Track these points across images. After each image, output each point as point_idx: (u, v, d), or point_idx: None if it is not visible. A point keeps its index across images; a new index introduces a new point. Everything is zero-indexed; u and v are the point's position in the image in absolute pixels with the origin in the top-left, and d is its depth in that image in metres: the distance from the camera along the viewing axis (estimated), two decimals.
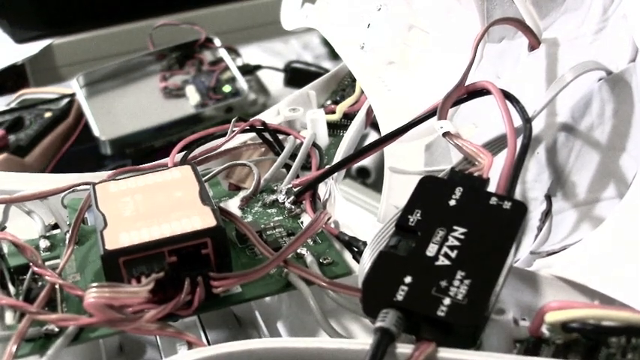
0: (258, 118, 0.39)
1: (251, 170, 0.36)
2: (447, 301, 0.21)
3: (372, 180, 0.51)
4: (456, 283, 0.22)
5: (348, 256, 0.30)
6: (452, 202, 0.25)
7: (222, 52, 0.62)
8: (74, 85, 0.58)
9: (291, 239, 0.30)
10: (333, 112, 0.43)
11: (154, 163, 0.37)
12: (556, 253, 0.29)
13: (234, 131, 0.37)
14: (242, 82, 0.58)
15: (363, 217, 0.33)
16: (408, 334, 0.22)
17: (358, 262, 0.28)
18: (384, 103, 0.39)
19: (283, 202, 0.33)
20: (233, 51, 0.64)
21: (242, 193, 0.35)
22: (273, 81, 0.64)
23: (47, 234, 0.32)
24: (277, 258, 0.27)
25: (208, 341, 0.30)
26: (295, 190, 0.34)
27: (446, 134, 0.28)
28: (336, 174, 0.35)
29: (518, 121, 0.28)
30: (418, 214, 0.24)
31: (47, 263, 0.30)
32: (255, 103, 0.59)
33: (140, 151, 0.54)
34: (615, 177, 0.30)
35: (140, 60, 0.62)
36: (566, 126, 0.32)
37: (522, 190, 0.33)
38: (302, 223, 0.32)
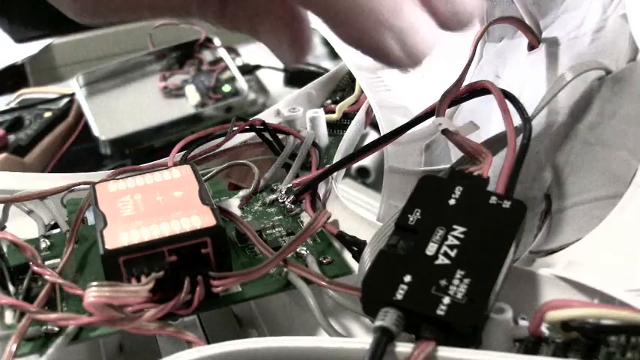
0: (258, 117, 0.39)
1: (251, 170, 0.36)
2: (446, 300, 0.21)
3: (371, 180, 0.51)
4: (456, 282, 0.22)
5: (347, 255, 0.30)
6: (451, 202, 0.25)
7: (222, 52, 0.62)
8: (74, 85, 0.58)
9: (290, 239, 0.30)
10: (333, 112, 0.43)
11: (153, 162, 0.37)
12: (555, 252, 0.29)
13: (233, 131, 0.37)
14: (242, 82, 0.58)
15: (363, 216, 0.33)
16: (407, 333, 0.22)
17: (358, 261, 0.28)
18: (384, 102, 0.39)
19: (283, 202, 0.33)
20: (233, 51, 0.64)
21: (242, 193, 0.35)
22: (273, 81, 0.64)
23: (47, 234, 0.32)
24: (277, 257, 0.27)
25: (208, 340, 0.30)
26: (295, 189, 0.34)
27: (444, 131, 0.28)
28: (335, 173, 0.35)
29: (517, 121, 0.28)
30: (418, 214, 0.24)
31: (47, 263, 0.30)
32: (254, 102, 0.59)
33: (140, 151, 0.54)
34: (615, 176, 0.30)
35: (140, 60, 0.62)
36: (566, 125, 0.32)
37: (522, 189, 0.33)
38: (302, 222, 0.32)
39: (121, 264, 0.25)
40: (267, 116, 0.42)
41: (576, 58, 0.31)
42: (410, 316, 0.22)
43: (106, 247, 0.25)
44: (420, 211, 0.24)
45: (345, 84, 0.46)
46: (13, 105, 0.58)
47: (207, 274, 0.26)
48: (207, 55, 0.62)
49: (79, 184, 0.34)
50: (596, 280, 0.24)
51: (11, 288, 0.28)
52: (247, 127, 0.38)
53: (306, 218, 0.32)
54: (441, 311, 0.21)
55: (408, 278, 0.22)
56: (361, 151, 0.33)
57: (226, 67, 0.60)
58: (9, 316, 0.27)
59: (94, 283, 0.23)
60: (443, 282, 0.22)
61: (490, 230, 0.24)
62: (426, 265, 0.23)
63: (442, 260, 0.23)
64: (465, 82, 0.31)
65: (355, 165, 0.49)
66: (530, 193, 0.33)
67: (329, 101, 0.45)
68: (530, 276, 0.26)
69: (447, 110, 0.30)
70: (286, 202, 0.33)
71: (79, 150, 0.55)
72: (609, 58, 0.31)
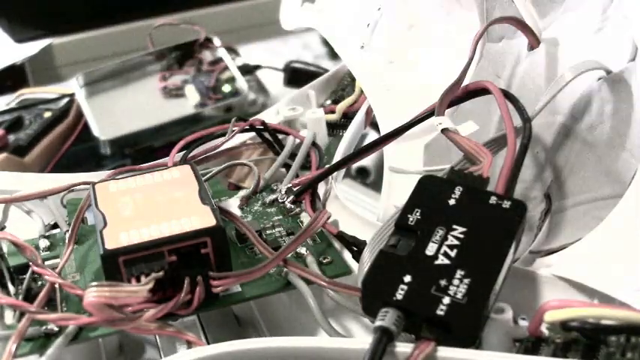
0: (258, 117, 0.39)
1: (251, 170, 0.36)
2: (446, 300, 0.21)
3: (371, 180, 0.51)
4: (456, 282, 0.22)
5: (347, 255, 0.30)
6: (451, 202, 0.25)
7: (222, 52, 0.62)
8: (74, 85, 0.58)
9: (290, 239, 0.30)
10: (333, 112, 0.42)
11: (153, 162, 0.37)
12: (555, 252, 0.29)
13: (233, 131, 0.37)
14: (242, 82, 0.58)
15: (363, 216, 0.33)
16: (407, 333, 0.22)
17: (358, 261, 0.28)
18: (384, 102, 0.39)
19: (283, 202, 0.33)
20: (233, 51, 0.64)
21: (242, 193, 0.35)
22: (273, 81, 0.63)
23: (47, 234, 0.32)
24: (277, 257, 0.27)
25: (208, 341, 0.30)
26: (295, 189, 0.34)
27: (444, 130, 0.28)
28: (335, 173, 0.35)
29: (517, 121, 0.28)
30: (418, 214, 0.24)
31: (47, 263, 0.30)
32: (254, 102, 0.59)
33: (140, 151, 0.54)
34: (615, 176, 0.30)
35: (140, 60, 0.61)
36: (566, 125, 0.32)
37: (522, 189, 0.33)
38: (302, 222, 0.32)
39: (121, 264, 0.25)
40: (267, 116, 0.42)
41: (576, 58, 0.31)
42: (410, 316, 0.22)
43: (106, 247, 0.25)
44: (420, 211, 0.24)
45: (345, 84, 0.46)
46: (13, 105, 0.58)
47: (207, 274, 0.26)
48: (207, 55, 0.62)
49: (79, 184, 0.33)
50: (596, 280, 0.24)
51: (11, 288, 0.28)
52: (247, 127, 0.38)
53: (306, 218, 0.32)
54: (440, 311, 0.21)
55: (407, 278, 0.22)
56: (361, 151, 0.33)
57: (226, 67, 0.60)
58: (9, 316, 0.27)
59: (94, 283, 0.23)
60: (443, 282, 0.22)
61: (490, 230, 0.24)
62: (425, 265, 0.23)
63: (442, 260, 0.23)
64: (465, 82, 0.31)
65: (355, 165, 0.49)
66: (530, 193, 0.33)
67: (329, 101, 0.45)
68: (530, 276, 0.26)
69: (446, 110, 0.30)
70: (286, 202, 0.33)
71: (79, 150, 0.55)
72: (609, 57, 0.31)
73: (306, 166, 0.36)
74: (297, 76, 0.62)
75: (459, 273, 0.22)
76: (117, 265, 0.25)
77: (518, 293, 0.26)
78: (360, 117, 0.41)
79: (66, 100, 0.57)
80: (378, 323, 0.22)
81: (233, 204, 0.34)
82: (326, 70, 0.52)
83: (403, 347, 0.22)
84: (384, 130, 0.37)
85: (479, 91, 0.30)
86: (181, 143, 0.36)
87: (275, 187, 0.35)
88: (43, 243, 0.32)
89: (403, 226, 0.24)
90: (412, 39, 0.41)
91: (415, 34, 0.41)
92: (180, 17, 0.71)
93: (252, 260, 0.30)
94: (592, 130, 0.31)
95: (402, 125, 0.32)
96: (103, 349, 0.32)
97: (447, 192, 0.25)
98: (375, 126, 0.40)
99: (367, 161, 0.47)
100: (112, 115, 0.56)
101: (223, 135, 0.37)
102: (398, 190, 0.35)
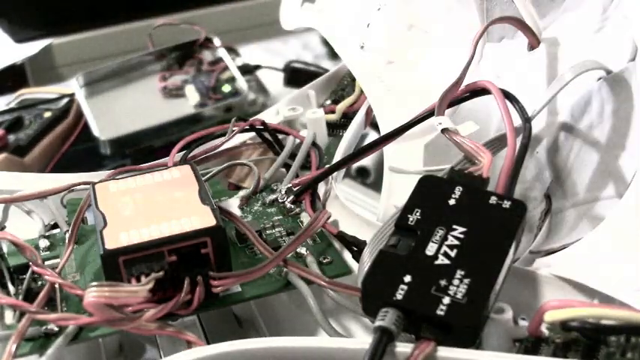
0: (258, 117, 0.39)
1: (251, 170, 0.36)
2: (446, 300, 0.21)
3: (371, 180, 0.51)
4: (456, 282, 0.22)
5: (347, 255, 0.30)
6: (451, 202, 0.25)
7: (222, 52, 0.62)
8: (74, 85, 0.58)
9: (290, 239, 0.30)
10: (333, 112, 0.42)
11: (153, 162, 0.37)
12: (555, 252, 0.29)
13: (233, 131, 0.37)
14: (242, 82, 0.58)
15: (363, 216, 0.33)
16: (407, 333, 0.22)
17: (358, 261, 0.28)
18: (384, 102, 0.39)
19: (283, 202, 0.33)
20: (233, 51, 0.64)
21: (242, 193, 0.35)
22: (273, 81, 0.63)
23: (47, 233, 0.32)
24: (277, 257, 0.27)
25: (208, 341, 0.30)
26: (295, 189, 0.34)
27: (444, 130, 0.28)
28: (335, 173, 0.35)
29: (517, 121, 0.28)
30: (418, 214, 0.24)
31: (47, 263, 0.30)
32: (254, 102, 0.59)
33: (140, 151, 0.54)
34: (615, 176, 0.30)
35: (140, 60, 0.61)
36: (566, 125, 0.32)
37: (522, 189, 0.33)
38: (302, 222, 0.32)
39: (121, 264, 0.25)
40: (267, 116, 0.42)
41: (576, 58, 0.31)
42: (410, 316, 0.22)
43: (106, 247, 0.25)
44: (419, 211, 0.24)
45: (345, 84, 0.46)
46: (13, 105, 0.58)
47: (207, 274, 0.26)
48: (207, 55, 0.62)
49: (79, 184, 0.33)
50: (596, 280, 0.24)
51: (11, 288, 0.28)
52: (247, 127, 0.38)
53: (306, 218, 0.32)
54: (440, 311, 0.21)
55: (407, 278, 0.22)
56: (361, 151, 0.33)
57: (226, 67, 0.60)
58: (9, 316, 0.27)
59: (94, 283, 0.23)
60: (443, 282, 0.22)
61: (490, 230, 0.24)
62: (425, 265, 0.23)
63: (442, 260, 0.23)
64: (465, 82, 0.31)
65: (355, 165, 0.49)
66: (530, 193, 0.33)
67: (329, 101, 0.45)
68: (530, 276, 0.26)
69: (446, 110, 0.30)
70: (286, 202, 0.33)
71: (79, 150, 0.55)
72: (609, 57, 0.31)
73: (306, 166, 0.36)
74: (297, 76, 0.62)
75: (459, 273, 0.22)
76: (117, 265, 0.25)
77: (518, 293, 0.26)
78: (360, 117, 0.41)
79: (66, 100, 0.57)
80: (378, 323, 0.22)
81: (233, 204, 0.34)
82: (326, 70, 0.52)
83: (403, 347, 0.22)
84: (384, 130, 0.37)
85: (479, 91, 0.30)
86: (181, 143, 0.36)
87: (275, 187, 0.35)
88: (43, 243, 0.32)
89: (403, 226, 0.24)
90: (412, 39, 0.41)
91: (415, 34, 0.41)
92: (180, 17, 0.71)
93: (252, 260, 0.30)
94: (592, 130, 0.31)
95: (402, 125, 0.32)
96: (103, 349, 0.32)
97: (447, 192, 0.25)
98: (375, 126, 0.40)
99: (367, 161, 0.47)
100: (112, 115, 0.56)
101: (223, 135, 0.37)
102: (398, 190, 0.35)
